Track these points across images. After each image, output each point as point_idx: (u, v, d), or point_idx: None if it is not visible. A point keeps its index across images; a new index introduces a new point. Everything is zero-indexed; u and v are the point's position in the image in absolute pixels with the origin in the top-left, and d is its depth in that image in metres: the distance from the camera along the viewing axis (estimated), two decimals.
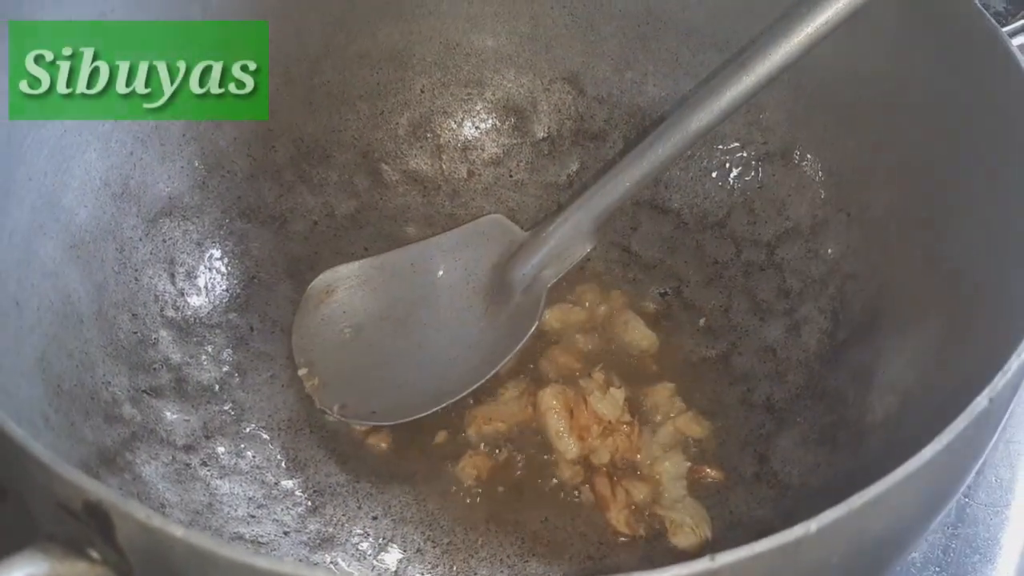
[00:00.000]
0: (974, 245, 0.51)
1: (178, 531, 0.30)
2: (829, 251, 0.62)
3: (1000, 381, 0.34)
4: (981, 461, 0.38)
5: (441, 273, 0.64)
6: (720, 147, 0.67)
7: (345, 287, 0.64)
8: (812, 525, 0.30)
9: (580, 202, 0.61)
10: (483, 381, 0.59)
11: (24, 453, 0.32)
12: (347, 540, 0.54)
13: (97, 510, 0.31)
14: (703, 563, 0.29)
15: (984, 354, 0.44)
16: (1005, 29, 0.91)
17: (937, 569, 0.56)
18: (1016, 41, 0.93)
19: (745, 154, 0.66)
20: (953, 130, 0.53)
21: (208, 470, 0.55)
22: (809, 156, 0.64)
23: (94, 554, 0.32)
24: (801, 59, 0.53)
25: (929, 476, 0.33)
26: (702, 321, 0.64)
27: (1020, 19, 0.92)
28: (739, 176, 0.67)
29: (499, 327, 0.61)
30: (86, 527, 0.31)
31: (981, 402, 0.33)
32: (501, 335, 0.61)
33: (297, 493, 0.56)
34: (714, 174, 0.67)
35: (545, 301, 0.62)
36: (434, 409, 0.58)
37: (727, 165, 0.67)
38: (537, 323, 0.61)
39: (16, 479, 0.33)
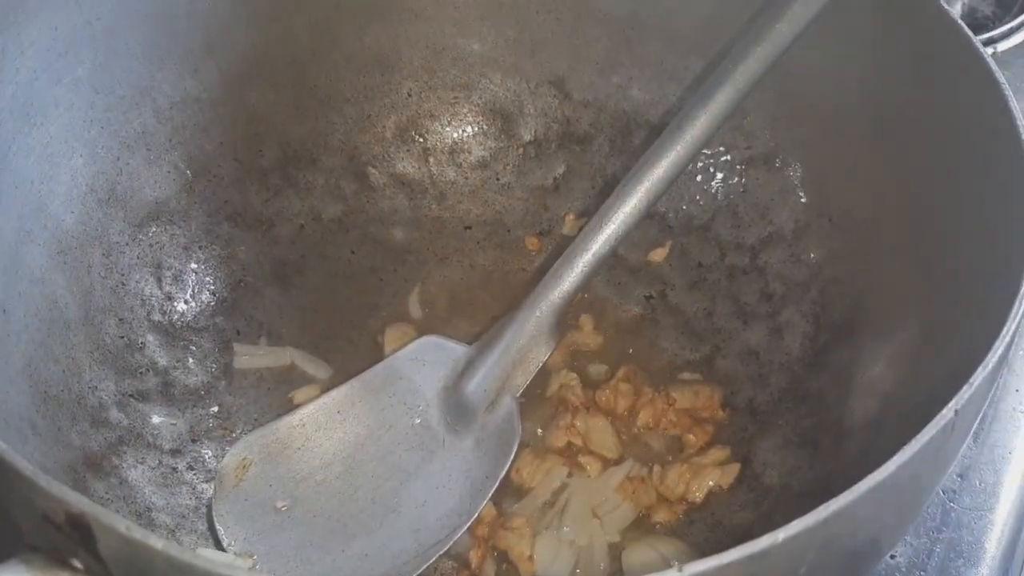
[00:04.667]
0: (954, 251, 0.51)
1: (158, 543, 0.30)
2: (811, 255, 0.62)
3: (966, 393, 0.34)
4: (949, 471, 0.38)
5: (377, 414, 0.57)
6: (705, 151, 0.67)
7: (262, 456, 0.56)
8: (779, 535, 0.31)
9: (536, 296, 0.56)
10: (473, 519, 0.53)
11: (7, 465, 0.32)
12: None
13: (79, 522, 0.31)
14: (671, 573, 0.30)
15: (961, 359, 0.45)
16: (992, 33, 0.92)
17: (921, 573, 0.57)
18: (1003, 45, 0.93)
19: (729, 158, 0.67)
20: (934, 138, 0.54)
21: (194, 474, 0.56)
22: (792, 161, 0.64)
23: (77, 564, 0.32)
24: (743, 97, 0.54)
25: (896, 487, 0.33)
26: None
27: (1007, 23, 0.92)
28: (723, 180, 0.67)
29: (468, 455, 0.55)
30: (68, 538, 0.32)
31: (947, 414, 0.34)
32: (475, 463, 0.55)
33: None
34: (699, 178, 0.68)
35: (518, 412, 0.56)
36: (423, 568, 0.51)
37: (711, 169, 0.67)
38: (519, 438, 0.55)
39: (0, 490, 0.34)
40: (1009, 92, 0.47)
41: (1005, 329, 0.37)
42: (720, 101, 0.54)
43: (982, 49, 0.50)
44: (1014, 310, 0.38)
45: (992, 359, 0.36)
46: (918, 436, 0.33)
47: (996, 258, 0.47)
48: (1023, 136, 0.45)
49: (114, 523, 0.31)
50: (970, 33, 0.51)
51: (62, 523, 0.32)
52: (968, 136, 0.51)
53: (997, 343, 0.36)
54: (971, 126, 0.51)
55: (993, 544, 0.59)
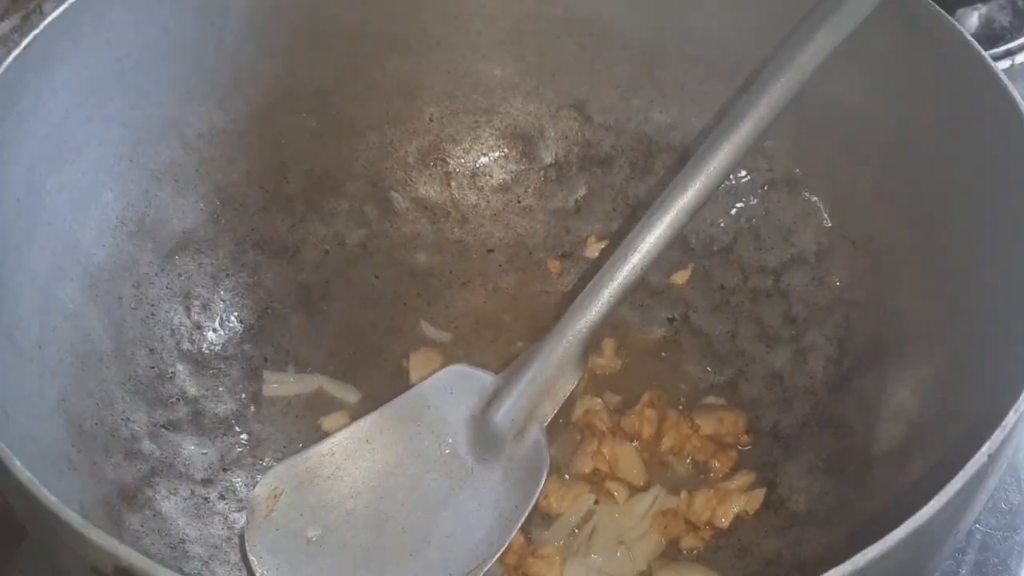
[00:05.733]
0: (980, 277, 0.52)
1: None
2: (835, 279, 0.63)
3: (999, 437, 0.35)
4: (979, 510, 0.39)
5: (405, 443, 0.57)
6: None
7: (293, 486, 0.56)
8: None
9: (563, 326, 0.56)
10: (503, 550, 0.53)
11: (56, 519, 0.33)
12: None
13: (128, 574, 0.32)
14: None
15: (989, 388, 0.45)
16: (1011, 44, 0.92)
17: None
18: (1022, 56, 0.93)
19: (751, 180, 0.67)
20: (954, 162, 0.54)
21: (226, 503, 0.57)
22: (814, 184, 0.64)
23: None
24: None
25: (929, 531, 0.34)
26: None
27: None
28: (745, 203, 0.67)
29: (497, 485, 0.55)
30: None
31: (980, 459, 0.34)
32: (503, 493, 0.55)
33: None
34: (721, 200, 0.68)
35: (547, 442, 0.56)
36: None
37: (734, 191, 0.68)
38: (547, 469, 0.55)
39: (47, 539, 0.35)
40: None
41: None
42: (744, 132, 0.54)
43: (1000, 73, 0.50)
44: None
45: None
46: (952, 482, 0.33)
47: (1021, 285, 0.47)
48: None
49: None
50: (988, 58, 0.51)
51: (110, 574, 0.32)
52: (988, 160, 0.52)
53: None
54: (990, 150, 0.51)
55: (1020, 566, 0.59)
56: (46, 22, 0.51)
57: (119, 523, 0.51)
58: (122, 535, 0.51)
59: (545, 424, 0.57)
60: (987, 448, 0.34)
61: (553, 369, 0.56)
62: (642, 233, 0.55)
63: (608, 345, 0.64)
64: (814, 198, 0.64)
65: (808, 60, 0.53)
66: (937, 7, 0.54)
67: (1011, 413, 0.36)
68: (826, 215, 0.64)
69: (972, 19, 0.94)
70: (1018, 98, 0.49)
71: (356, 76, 0.68)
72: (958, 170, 0.54)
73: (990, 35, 0.92)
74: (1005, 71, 0.88)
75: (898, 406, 0.55)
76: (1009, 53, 0.88)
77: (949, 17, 0.53)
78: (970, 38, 0.52)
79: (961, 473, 0.34)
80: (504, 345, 0.65)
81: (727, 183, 0.68)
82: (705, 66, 0.66)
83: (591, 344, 0.57)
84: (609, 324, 0.66)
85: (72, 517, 0.32)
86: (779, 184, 0.66)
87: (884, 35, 0.56)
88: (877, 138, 0.60)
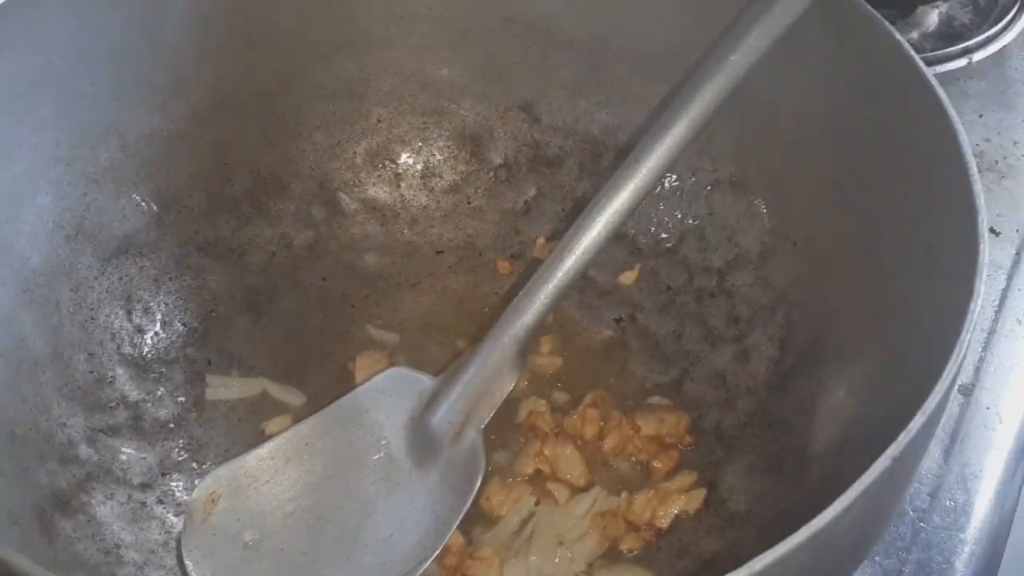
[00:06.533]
0: (909, 282, 0.52)
1: None
2: (777, 279, 0.63)
3: (904, 440, 0.35)
4: (898, 508, 0.39)
5: (344, 446, 0.57)
6: (671, 175, 0.68)
7: (231, 490, 0.56)
8: None
9: (500, 328, 0.56)
10: (437, 552, 0.53)
11: None
12: None
13: None
14: None
15: (914, 392, 0.45)
16: (969, 42, 0.92)
17: None
18: (980, 54, 0.93)
19: (695, 181, 0.67)
20: (885, 166, 0.54)
21: (164, 508, 0.56)
22: (756, 185, 0.64)
23: None
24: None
25: (831, 535, 0.34)
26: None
27: (984, 32, 0.93)
28: (690, 203, 0.67)
29: (434, 488, 0.55)
30: None
31: (883, 462, 0.34)
32: (439, 496, 0.55)
33: None
34: (667, 200, 0.68)
35: (482, 445, 0.56)
36: None
37: (679, 192, 0.68)
38: (482, 472, 0.55)
39: None
40: (959, 126, 0.47)
41: (945, 373, 0.37)
42: (677, 133, 0.54)
43: (931, 77, 0.50)
44: (954, 355, 0.38)
45: (931, 405, 0.36)
46: (853, 487, 0.33)
47: (943, 294, 0.47)
48: (968, 168, 0.46)
49: None
50: (920, 62, 0.51)
51: None
52: (917, 166, 0.52)
53: (937, 387, 0.37)
54: (920, 151, 0.51)
55: (963, 564, 0.59)
56: None
57: (51, 529, 0.51)
58: (53, 541, 0.50)
59: (482, 427, 0.56)
60: (891, 451, 0.34)
61: (490, 372, 0.56)
62: (577, 234, 0.55)
63: (546, 342, 0.64)
64: (756, 199, 0.65)
65: (740, 60, 0.53)
66: (869, 7, 0.54)
67: (918, 416, 0.36)
68: (768, 215, 0.64)
69: (932, 17, 0.94)
70: (944, 98, 0.49)
71: (301, 77, 0.68)
72: (890, 171, 0.54)
73: (949, 33, 0.92)
74: (962, 69, 0.88)
75: (834, 406, 0.55)
76: (967, 51, 0.89)
77: (879, 16, 0.53)
78: (899, 37, 0.52)
79: (863, 477, 0.34)
80: (452, 347, 0.65)
81: (673, 184, 0.68)
82: (650, 67, 0.66)
83: (529, 346, 0.57)
84: (556, 324, 0.66)
85: None
86: (723, 185, 0.66)
87: (819, 36, 0.56)
88: (815, 139, 0.60)
